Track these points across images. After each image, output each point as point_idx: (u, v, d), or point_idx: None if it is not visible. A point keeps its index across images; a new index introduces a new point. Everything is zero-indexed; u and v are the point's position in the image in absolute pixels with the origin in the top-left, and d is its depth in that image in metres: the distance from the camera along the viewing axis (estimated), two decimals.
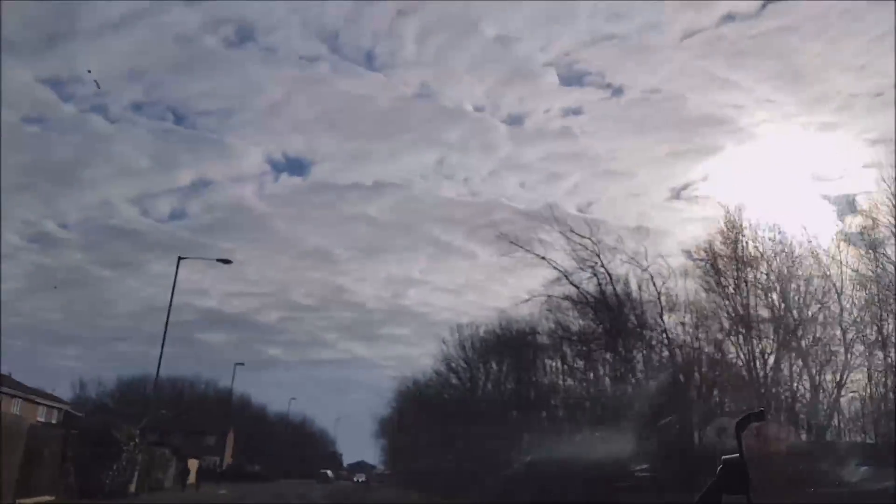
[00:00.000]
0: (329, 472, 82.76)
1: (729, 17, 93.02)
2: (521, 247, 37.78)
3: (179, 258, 29.99)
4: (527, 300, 38.70)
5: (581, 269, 35.94)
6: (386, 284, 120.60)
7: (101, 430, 27.89)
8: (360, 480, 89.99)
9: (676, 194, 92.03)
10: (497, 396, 52.66)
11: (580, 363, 40.33)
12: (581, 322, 38.21)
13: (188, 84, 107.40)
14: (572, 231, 36.40)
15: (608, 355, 37.25)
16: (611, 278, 35.64)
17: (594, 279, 35.88)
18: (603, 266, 35.59)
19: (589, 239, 35.81)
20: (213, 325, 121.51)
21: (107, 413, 61.83)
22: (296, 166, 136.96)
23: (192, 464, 46.78)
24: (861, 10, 73.36)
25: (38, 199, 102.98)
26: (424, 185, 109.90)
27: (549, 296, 37.47)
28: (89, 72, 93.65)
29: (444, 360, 58.02)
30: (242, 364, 51.39)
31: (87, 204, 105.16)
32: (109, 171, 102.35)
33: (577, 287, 36.16)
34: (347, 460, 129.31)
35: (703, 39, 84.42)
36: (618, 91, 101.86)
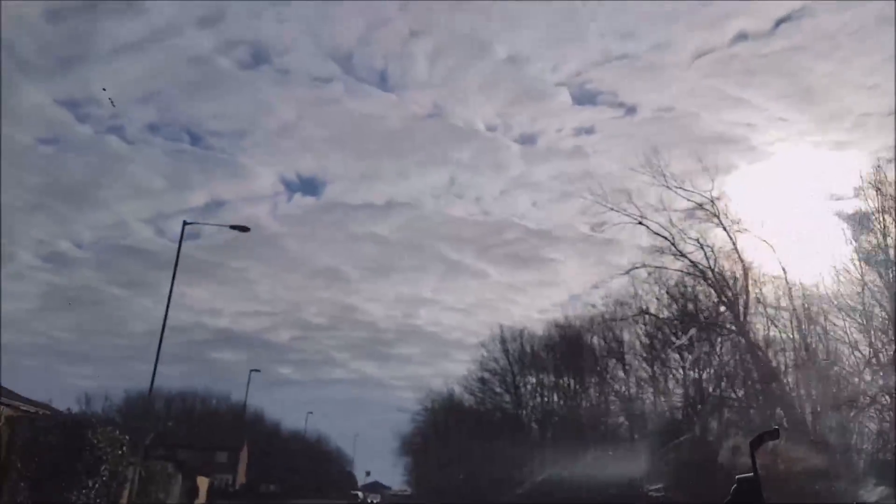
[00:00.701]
0: (360, 494, 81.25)
1: (741, 37, 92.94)
2: (613, 208, 34.01)
3: (185, 223, 28.20)
4: (628, 271, 34.85)
5: (683, 238, 32.30)
6: (396, 304, 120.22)
7: (71, 433, 19.91)
8: (373, 502, 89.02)
9: (690, 213, 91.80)
10: (532, 409, 51.24)
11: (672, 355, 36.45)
12: (682, 303, 34.80)
13: (203, 105, 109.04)
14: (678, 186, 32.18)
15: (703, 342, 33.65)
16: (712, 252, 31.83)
17: (700, 252, 32.28)
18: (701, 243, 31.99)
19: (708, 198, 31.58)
20: (225, 345, 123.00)
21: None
22: (308, 186, 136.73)
23: (202, 482, 46.38)
24: (872, 30, 73.75)
25: (53, 219, 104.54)
26: (436, 205, 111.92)
27: (656, 267, 33.32)
28: (104, 90, 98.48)
29: (483, 368, 56.40)
30: (258, 371, 50.66)
31: (102, 224, 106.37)
32: (124, 192, 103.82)
33: (686, 257, 32.44)
34: (360, 480, 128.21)
35: (715, 58, 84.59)
36: (630, 110, 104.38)
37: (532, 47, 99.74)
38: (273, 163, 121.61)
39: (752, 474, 4.31)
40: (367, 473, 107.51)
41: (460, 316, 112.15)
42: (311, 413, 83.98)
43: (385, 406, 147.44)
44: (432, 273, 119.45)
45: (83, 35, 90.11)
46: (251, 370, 50.31)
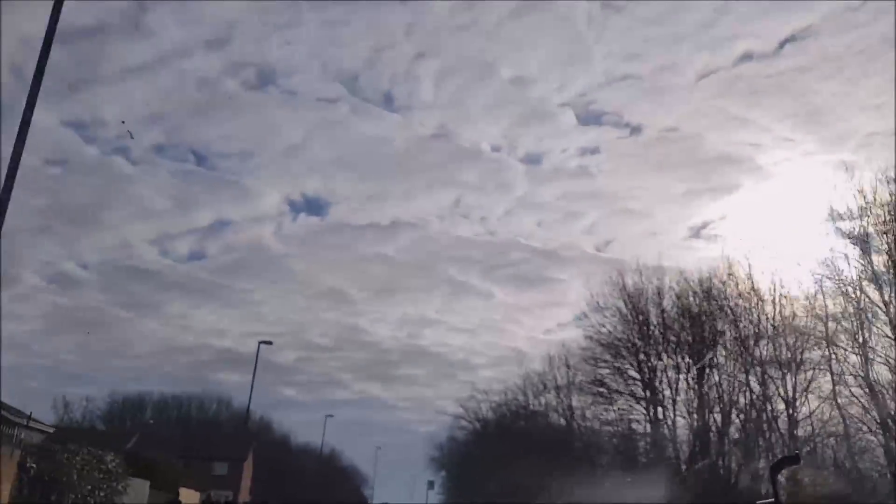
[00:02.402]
0: None
1: (746, 57, 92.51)
2: None
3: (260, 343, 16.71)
4: None
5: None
6: (401, 324, 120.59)
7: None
8: None
9: (695, 233, 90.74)
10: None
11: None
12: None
13: (209, 126, 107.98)
14: None
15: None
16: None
17: None
18: None
19: None
20: (228, 366, 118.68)
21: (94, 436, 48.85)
22: (314, 207, 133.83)
23: (189, 495, 33.24)
24: (877, 50, 72.92)
25: (58, 240, 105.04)
26: (441, 225, 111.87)
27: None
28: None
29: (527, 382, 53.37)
30: (270, 343, 37.37)
31: (107, 245, 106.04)
32: (130, 213, 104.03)
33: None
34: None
35: (719, 79, 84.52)
36: (635, 130, 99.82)
37: (537, 68, 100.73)
38: (279, 183, 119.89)
39: (773, 500, 4.45)
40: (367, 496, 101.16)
41: (466, 336, 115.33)
42: (332, 416, 68.58)
43: (392, 429, 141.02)
44: (438, 294, 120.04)
45: (90, 57, 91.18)
46: (260, 342, 36.31)
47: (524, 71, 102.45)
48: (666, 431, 35.08)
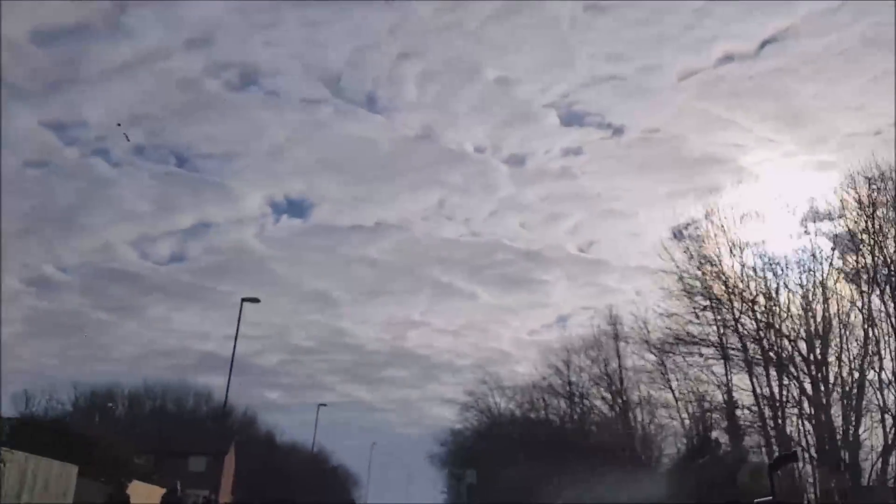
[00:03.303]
0: None
1: (727, 58, 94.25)
2: None
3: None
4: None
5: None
6: (386, 326, 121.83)
7: None
8: None
9: (677, 233, 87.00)
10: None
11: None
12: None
13: (190, 128, 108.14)
14: None
15: None
16: None
17: None
18: None
19: None
20: (212, 369, 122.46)
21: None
22: (296, 208, 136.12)
23: (150, 492, 26.48)
24: (857, 52, 74.63)
25: (38, 243, 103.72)
26: (425, 227, 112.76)
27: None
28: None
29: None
30: (258, 301, 30.63)
31: (87, 247, 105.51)
32: (110, 215, 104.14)
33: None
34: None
35: (701, 80, 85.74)
36: (618, 131, 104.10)
37: (521, 70, 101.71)
38: (261, 185, 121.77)
39: (770, 498, 5.91)
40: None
41: (450, 338, 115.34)
42: (325, 405, 61.75)
43: (375, 431, 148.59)
44: (422, 295, 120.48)
45: (70, 58, 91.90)
46: (243, 299, 29.61)
47: (508, 72, 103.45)
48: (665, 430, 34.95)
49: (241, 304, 29.75)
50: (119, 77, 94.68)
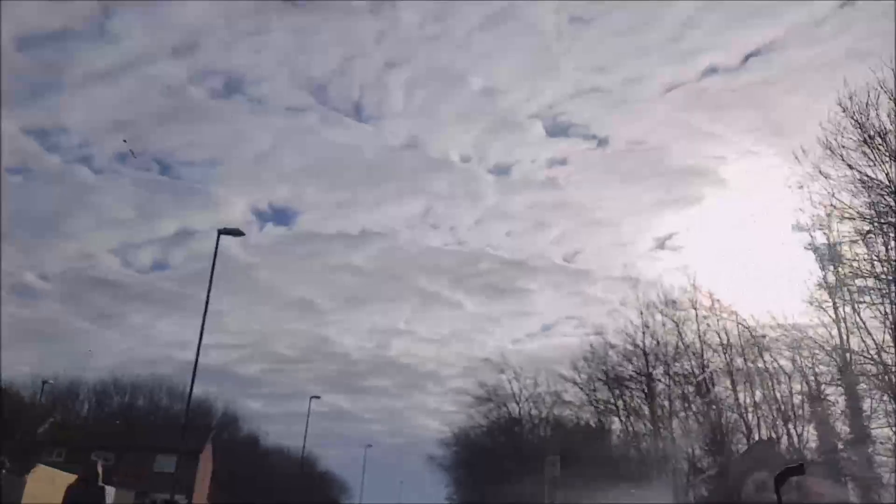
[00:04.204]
0: None
1: (711, 70, 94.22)
2: None
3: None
4: None
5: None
6: (370, 335, 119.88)
7: None
8: None
9: (661, 244, 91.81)
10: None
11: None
12: None
13: (174, 135, 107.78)
14: None
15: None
16: None
17: None
18: None
19: None
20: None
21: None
22: (281, 216, 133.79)
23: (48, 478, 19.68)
24: (841, 64, 72.58)
25: (18, 249, 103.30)
26: (410, 235, 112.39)
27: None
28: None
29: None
30: (240, 234, 23.80)
31: (68, 255, 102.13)
32: (92, 222, 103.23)
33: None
34: None
35: (685, 92, 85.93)
36: (602, 142, 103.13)
37: (507, 80, 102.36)
38: (245, 192, 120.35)
39: None
40: None
41: (434, 347, 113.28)
42: (318, 397, 54.65)
43: (358, 440, 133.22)
44: (407, 304, 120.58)
45: (54, 63, 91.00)
46: (220, 231, 22.78)
47: (494, 82, 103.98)
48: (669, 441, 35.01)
49: (218, 237, 23.02)
50: (102, 83, 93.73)
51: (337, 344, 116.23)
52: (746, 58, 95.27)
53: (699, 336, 32.32)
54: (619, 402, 40.07)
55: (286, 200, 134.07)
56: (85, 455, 43.51)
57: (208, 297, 23.80)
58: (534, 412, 50.66)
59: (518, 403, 50.58)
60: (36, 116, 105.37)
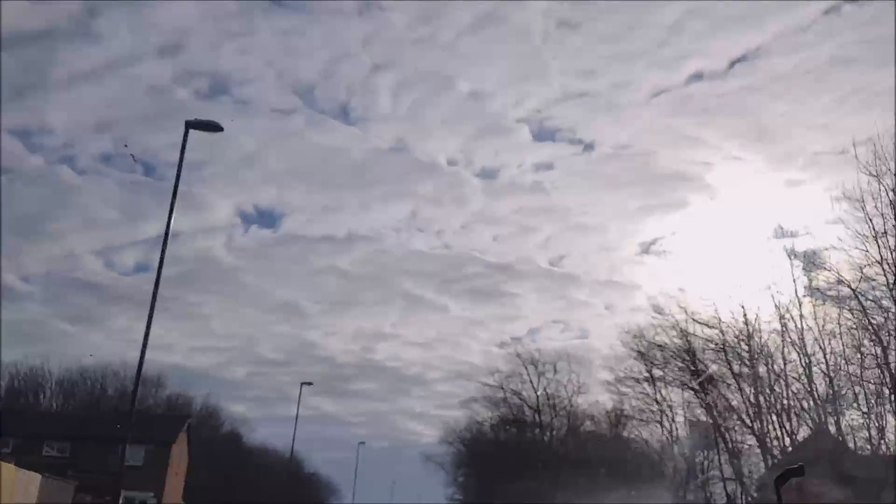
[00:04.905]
0: None
1: (697, 77, 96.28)
2: None
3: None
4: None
5: None
6: (356, 338, 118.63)
7: None
8: None
9: (646, 248, 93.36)
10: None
11: None
12: None
13: (159, 136, 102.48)
14: None
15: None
16: None
17: None
18: None
19: None
20: (176, 382, 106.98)
21: None
22: (266, 218, 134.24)
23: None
24: (824, 72, 76.90)
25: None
26: (397, 238, 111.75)
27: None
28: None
29: None
30: (220, 130, 19.18)
31: (51, 256, 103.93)
32: (75, 224, 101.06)
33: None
34: None
35: (671, 98, 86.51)
36: (589, 147, 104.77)
37: (494, 84, 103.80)
38: (231, 194, 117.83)
39: None
40: None
41: (420, 350, 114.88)
42: (311, 384, 49.14)
43: (343, 444, 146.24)
44: (393, 307, 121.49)
45: (37, 63, 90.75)
46: (188, 123, 17.97)
47: (481, 85, 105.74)
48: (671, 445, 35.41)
49: (186, 131, 18.11)
50: (87, 83, 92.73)
51: (322, 347, 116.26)
52: (732, 63, 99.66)
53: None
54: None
55: (272, 203, 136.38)
56: (37, 446, 38.52)
57: (166, 236, 18.41)
58: (551, 403, 46.01)
59: (536, 393, 45.86)
60: (19, 116, 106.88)
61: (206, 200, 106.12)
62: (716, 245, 61.45)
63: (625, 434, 43.14)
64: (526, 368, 46.52)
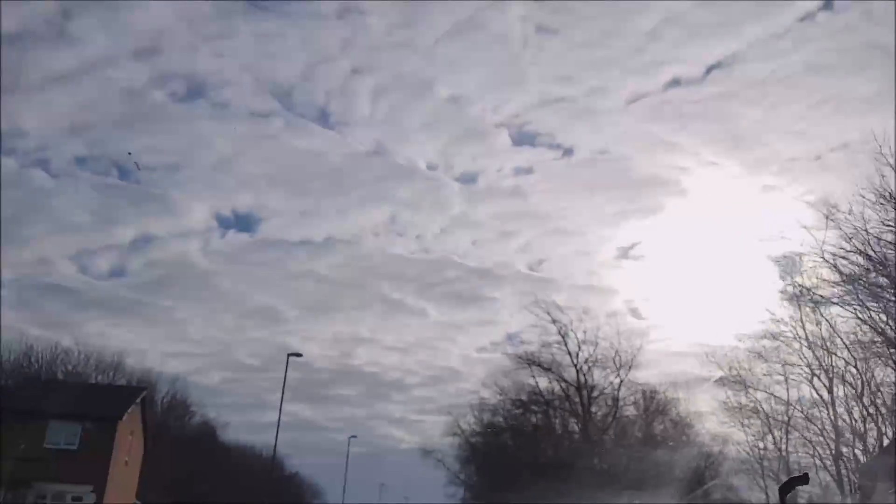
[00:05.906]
0: None
1: (674, 83, 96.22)
2: None
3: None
4: None
5: None
6: (334, 343, 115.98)
7: None
8: None
9: (624, 253, 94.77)
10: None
11: None
12: None
13: (134, 139, 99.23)
14: None
15: None
16: None
17: None
18: None
19: None
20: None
21: None
22: (244, 222, 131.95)
23: None
24: (799, 79, 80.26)
25: None
26: (376, 243, 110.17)
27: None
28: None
29: None
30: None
31: (23, 261, 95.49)
32: (48, 227, 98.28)
33: None
34: None
35: (649, 103, 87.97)
36: (567, 152, 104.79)
37: (473, 88, 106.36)
38: (207, 198, 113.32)
39: None
40: None
41: (399, 355, 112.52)
42: (301, 356, 41.23)
43: (320, 449, 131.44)
44: (371, 312, 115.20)
45: (10, 65, 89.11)
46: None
47: (460, 90, 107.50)
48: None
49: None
50: (61, 85, 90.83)
51: (300, 352, 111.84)
52: (708, 70, 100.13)
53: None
54: None
55: (249, 207, 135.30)
56: None
57: None
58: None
59: (576, 365, 37.92)
60: None
61: (182, 204, 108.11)
62: (693, 249, 64.21)
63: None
64: (563, 338, 38.44)
